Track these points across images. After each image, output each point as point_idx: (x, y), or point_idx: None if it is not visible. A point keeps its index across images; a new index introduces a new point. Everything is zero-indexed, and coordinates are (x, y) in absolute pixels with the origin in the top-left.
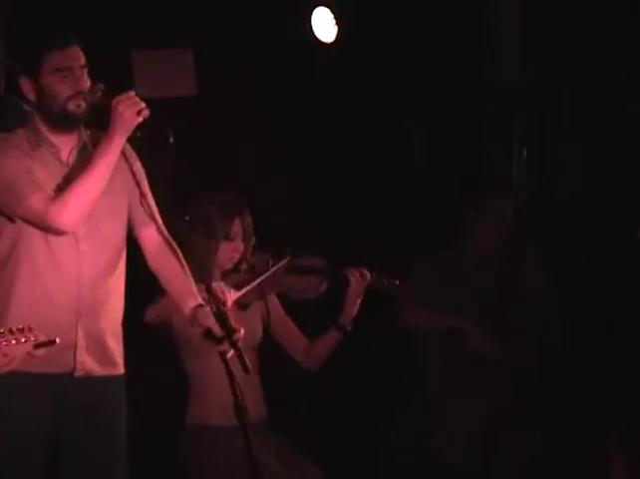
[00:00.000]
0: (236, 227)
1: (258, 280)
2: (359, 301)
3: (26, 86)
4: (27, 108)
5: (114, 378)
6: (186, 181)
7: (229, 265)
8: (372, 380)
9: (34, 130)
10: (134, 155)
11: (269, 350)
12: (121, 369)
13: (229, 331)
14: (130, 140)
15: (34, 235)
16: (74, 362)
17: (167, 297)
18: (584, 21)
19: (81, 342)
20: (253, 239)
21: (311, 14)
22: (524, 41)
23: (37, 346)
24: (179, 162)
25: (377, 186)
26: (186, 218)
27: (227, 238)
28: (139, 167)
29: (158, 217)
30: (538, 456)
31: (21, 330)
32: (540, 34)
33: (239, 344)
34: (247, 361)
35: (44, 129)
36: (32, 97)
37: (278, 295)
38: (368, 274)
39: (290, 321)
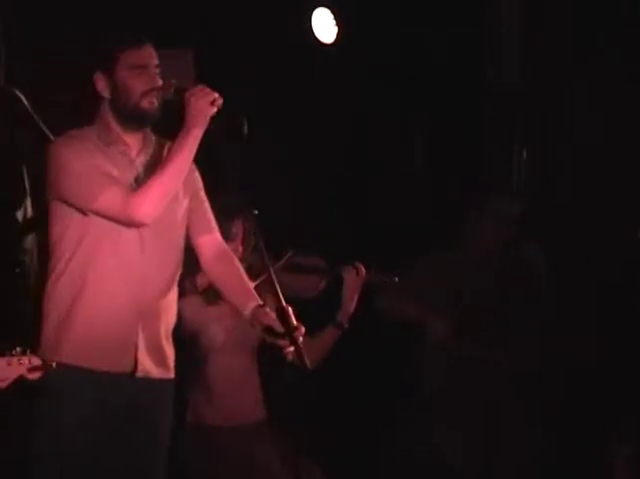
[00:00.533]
0: (237, 227)
1: (264, 277)
2: (356, 297)
3: (100, 82)
4: (25, 101)
5: (167, 381)
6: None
7: None
8: (371, 380)
9: (105, 127)
10: (193, 164)
11: (269, 350)
12: (172, 373)
13: (290, 329)
14: (204, 132)
15: (101, 233)
16: (135, 362)
17: None
18: (584, 21)
19: (141, 343)
20: (253, 239)
21: (311, 15)
22: (524, 41)
23: (31, 369)
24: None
25: (377, 186)
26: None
27: (227, 238)
28: (197, 174)
29: (215, 224)
30: (538, 456)
31: (17, 353)
32: (540, 34)
33: (300, 341)
34: (306, 358)
35: (116, 126)
36: (106, 93)
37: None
38: (363, 270)
39: None
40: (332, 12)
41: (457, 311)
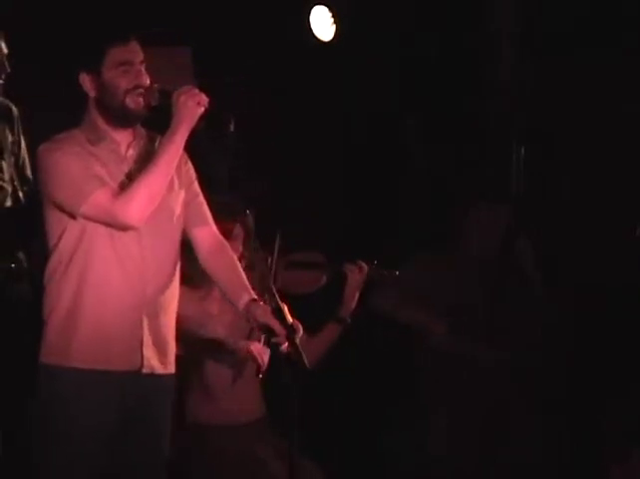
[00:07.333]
0: (238, 227)
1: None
2: (357, 294)
3: (87, 82)
4: (14, 109)
5: (169, 377)
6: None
7: None
8: (371, 380)
9: (92, 127)
10: (185, 155)
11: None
12: (173, 368)
13: (290, 330)
14: (192, 133)
15: (98, 231)
16: (141, 359)
17: None
18: (583, 21)
19: (147, 339)
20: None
21: (309, 13)
22: (524, 41)
23: None
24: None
25: (376, 185)
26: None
27: (229, 238)
28: (190, 166)
29: (210, 216)
30: (537, 455)
31: None
32: (540, 34)
33: (297, 341)
34: (305, 357)
35: (103, 125)
36: (93, 93)
37: (277, 292)
38: (365, 267)
39: None
40: (330, 10)
41: (444, 311)
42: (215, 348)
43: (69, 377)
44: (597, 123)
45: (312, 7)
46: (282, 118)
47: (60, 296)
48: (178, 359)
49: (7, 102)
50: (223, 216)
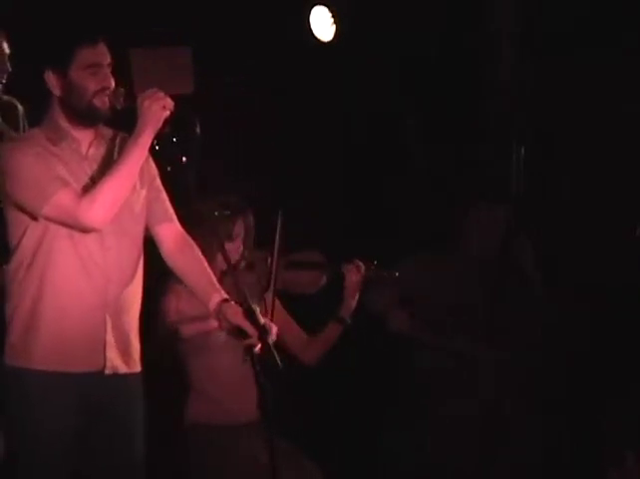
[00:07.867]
0: (238, 227)
1: (274, 262)
2: (357, 294)
3: (52, 81)
4: (20, 107)
5: (135, 376)
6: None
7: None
8: (371, 380)
9: (54, 126)
10: (147, 153)
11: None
12: (139, 367)
13: (262, 331)
14: (158, 136)
15: (60, 232)
16: (104, 360)
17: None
18: (583, 21)
19: (110, 340)
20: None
21: (309, 13)
22: (524, 41)
23: None
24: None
25: (376, 185)
26: (226, 212)
27: (229, 238)
28: (152, 163)
29: (173, 213)
30: (537, 455)
31: None
32: (540, 34)
33: (270, 342)
34: (277, 357)
35: (65, 123)
36: (57, 92)
37: (277, 292)
38: (362, 266)
39: (290, 317)
40: (330, 10)
41: (443, 311)
42: (217, 347)
43: (33, 380)
44: (597, 123)
45: (312, 7)
46: (282, 118)
47: (22, 298)
48: (179, 358)
49: (12, 100)
50: (224, 215)
